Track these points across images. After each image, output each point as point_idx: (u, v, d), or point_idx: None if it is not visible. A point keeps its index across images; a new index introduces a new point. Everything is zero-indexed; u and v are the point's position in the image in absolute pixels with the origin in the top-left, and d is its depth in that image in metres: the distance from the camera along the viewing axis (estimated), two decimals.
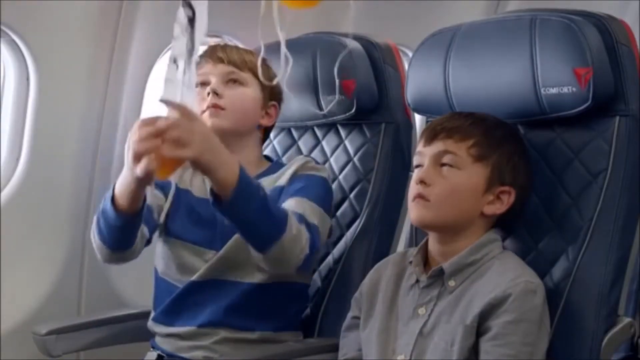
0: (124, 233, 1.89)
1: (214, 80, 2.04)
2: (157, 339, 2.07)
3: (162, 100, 1.53)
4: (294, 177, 2.01)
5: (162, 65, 2.50)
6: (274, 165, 2.10)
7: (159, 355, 2.04)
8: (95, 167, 2.44)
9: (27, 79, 2.32)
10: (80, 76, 2.39)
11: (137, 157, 1.54)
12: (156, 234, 2.07)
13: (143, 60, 2.46)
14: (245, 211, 1.71)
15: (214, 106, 2.01)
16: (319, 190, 1.99)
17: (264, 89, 2.06)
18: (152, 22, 2.43)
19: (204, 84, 2.04)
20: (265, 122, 2.11)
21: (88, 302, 2.48)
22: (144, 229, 1.97)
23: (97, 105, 2.41)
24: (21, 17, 2.24)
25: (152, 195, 1.96)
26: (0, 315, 2.29)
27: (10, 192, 2.35)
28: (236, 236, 1.96)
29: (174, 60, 1.51)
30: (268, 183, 2.00)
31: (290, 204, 1.91)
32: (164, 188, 2.08)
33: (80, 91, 2.39)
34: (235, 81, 2.05)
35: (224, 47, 2.10)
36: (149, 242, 2.05)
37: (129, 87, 2.45)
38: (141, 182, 1.69)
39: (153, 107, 2.58)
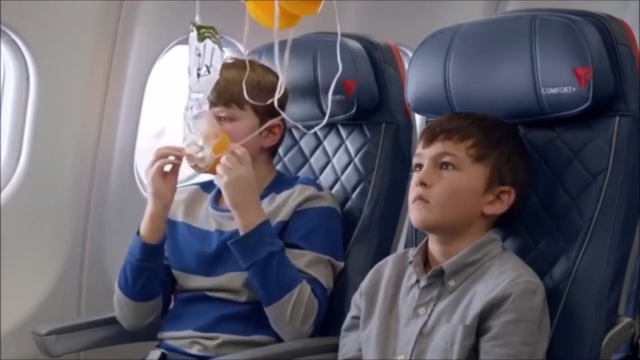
0: (146, 272, 2.01)
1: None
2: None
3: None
4: (297, 211, 2.01)
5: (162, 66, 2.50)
6: (277, 179, 2.10)
7: (162, 354, 2.05)
8: (95, 167, 2.44)
9: (27, 79, 2.32)
10: (80, 76, 2.39)
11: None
12: None
13: (143, 60, 2.45)
14: (249, 259, 1.91)
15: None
16: (327, 227, 2.01)
17: (258, 113, 2.02)
18: (152, 21, 2.42)
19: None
20: (268, 142, 2.08)
21: (88, 302, 2.48)
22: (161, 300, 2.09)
23: (97, 105, 2.41)
24: (21, 17, 2.24)
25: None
26: (0, 315, 2.29)
27: (10, 192, 2.35)
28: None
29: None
30: (271, 210, 2.01)
31: (302, 262, 1.96)
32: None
33: (80, 91, 2.39)
34: (227, 119, 2.02)
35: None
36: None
37: (129, 87, 2.45)
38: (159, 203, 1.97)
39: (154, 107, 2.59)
